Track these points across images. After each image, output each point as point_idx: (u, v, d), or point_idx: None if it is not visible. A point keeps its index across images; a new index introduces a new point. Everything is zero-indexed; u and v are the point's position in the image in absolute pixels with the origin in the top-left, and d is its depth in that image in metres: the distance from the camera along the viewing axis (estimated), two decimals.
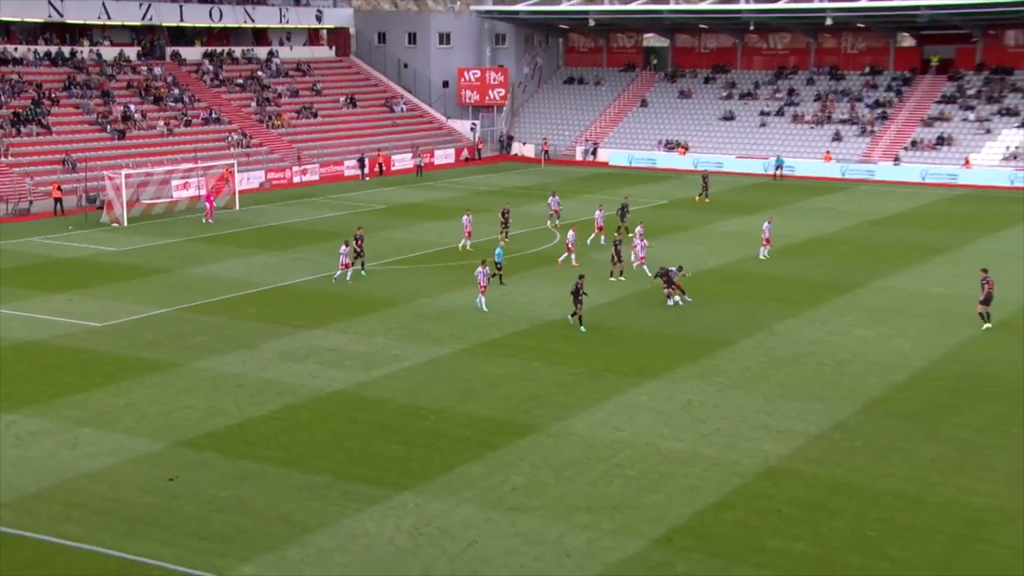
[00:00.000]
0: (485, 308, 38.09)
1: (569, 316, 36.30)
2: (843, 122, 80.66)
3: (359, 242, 43.60)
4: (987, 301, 35.99)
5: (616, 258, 42.86)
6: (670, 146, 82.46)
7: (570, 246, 45.44)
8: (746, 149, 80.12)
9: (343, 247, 42.69)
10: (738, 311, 38.54)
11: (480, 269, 38.33)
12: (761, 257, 47.22)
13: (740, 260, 47.33)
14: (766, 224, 48.18)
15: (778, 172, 74.07)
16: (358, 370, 31.81)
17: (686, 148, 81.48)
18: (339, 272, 42.52)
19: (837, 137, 79.16)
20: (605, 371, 31.71)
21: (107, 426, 27.38)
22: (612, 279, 42.64)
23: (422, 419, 27.92)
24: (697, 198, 63.94)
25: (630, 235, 46.50)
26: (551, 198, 55.56)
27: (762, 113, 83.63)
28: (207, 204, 57.14)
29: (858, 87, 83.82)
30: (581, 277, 36.19)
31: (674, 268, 39.67)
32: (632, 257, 43.77)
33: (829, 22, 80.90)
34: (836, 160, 76.46)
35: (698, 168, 75.81)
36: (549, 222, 54.42)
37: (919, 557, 20.77)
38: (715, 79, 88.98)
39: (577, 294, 35.50)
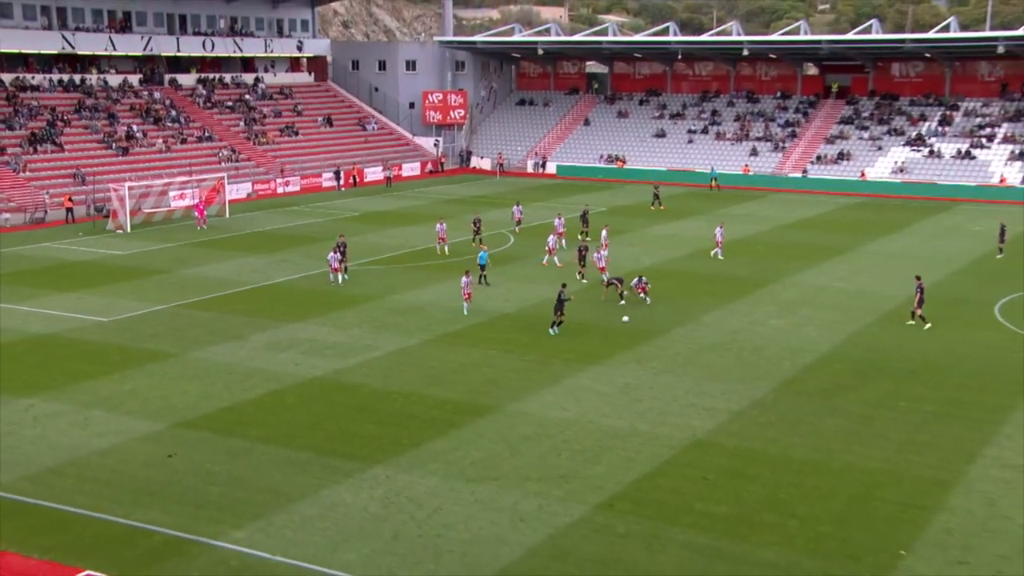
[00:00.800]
0: (466, 312, 36.88)
1: (551, 328, 34.46)
2: (759, 139, 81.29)
3: (343, 248, 43.11)
4: (921, 303, 35.67)
5: (580, 261, 42.52)
6: (610, 159, 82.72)
7: (551, 248, 45.12)
8: (676, 162, 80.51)
9: (331, 254, 42.30)
10: (670, 304, 38.66)
11: (464, 279, 37.13)
12: (711, 255, 47.27)
13: (671, 260, 47.51)
14: (718, 229, 48.27)
15: (714, 182, 74.43)
16: (336, 358, 31.66)
17: (624, 161, 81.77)
18: (333, 276, 41.94)
19: (754, 152, 79.77)
20: (554, 358, 31.75)
21: (114, 409, 27.12)
22: (583, 280, 41.55)
23: (393, 401, 27.85)
24: (652, 207, 63.76)
25: (590, 239, 45.83)
26: (515, 207, 55.33)
27: (689, 131, 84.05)
28: (196, 214, 56.57)
29: (771, 109, 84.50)
30: (564, 285, 35.10)
31: (636, 280, 38.74)
32: (595, 259, 42.04)
33: (746, 53, 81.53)
34: (753, 172, 77.06)
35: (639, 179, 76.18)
36: (517, 227, 54.23)
37: (822, 514, 21.07)
38: (648, 101, 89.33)
39: (560, 302, 34.15)
